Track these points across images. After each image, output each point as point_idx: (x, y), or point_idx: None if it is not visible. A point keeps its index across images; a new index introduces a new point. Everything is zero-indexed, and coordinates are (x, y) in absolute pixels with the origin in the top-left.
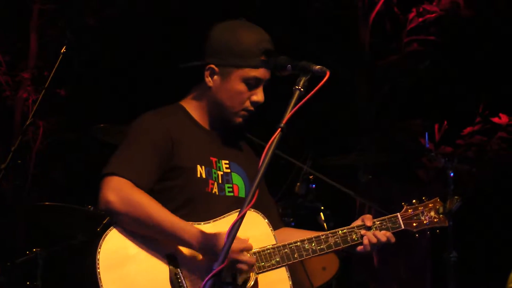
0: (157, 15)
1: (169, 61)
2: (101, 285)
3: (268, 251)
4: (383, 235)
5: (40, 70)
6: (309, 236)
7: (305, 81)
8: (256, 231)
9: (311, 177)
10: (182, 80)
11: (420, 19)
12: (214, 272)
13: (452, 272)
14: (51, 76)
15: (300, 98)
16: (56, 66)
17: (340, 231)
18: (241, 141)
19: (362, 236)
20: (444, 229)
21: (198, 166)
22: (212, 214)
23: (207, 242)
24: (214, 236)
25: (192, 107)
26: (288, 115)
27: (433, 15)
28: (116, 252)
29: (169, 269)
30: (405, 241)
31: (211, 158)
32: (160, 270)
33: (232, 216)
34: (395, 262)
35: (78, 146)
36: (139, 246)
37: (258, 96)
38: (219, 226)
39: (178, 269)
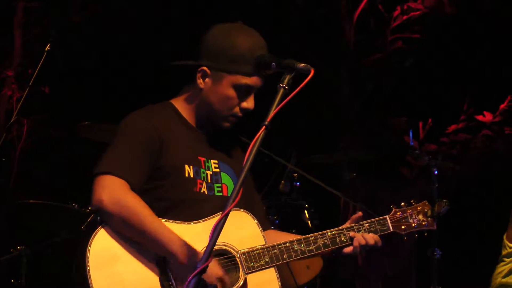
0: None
1: (156, 59)
2: (91, 283)
3: (257, 251)
4: (371, 238)
5: (24, 68)
6: (298, 238)
7: (290, 79)
8: (246, 231)
9: (295, 175)
10: (168, 79)
11: (405, 17)
12: (197, 270)
13: (436, 270)
14: (35, 74)
15: (284, 96)
16: (40, 64)
17: (329, 233)
18: (230, 141)
19: (351, 238)
20: (421, 232)
21: (186, 166)
22: (201, 213)
23: (190, 257)
24: (197, 253)
25: (183, 107)
26: (272, 113)
27: (418, 12)
28: (106, 250)
29: (159, 268)
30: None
31: (200, 157)
32: (149, 268)
33: None
34: (380, 260)
35: (62, 144)
36: (129, 245)
37: (249, 103)
38: (208, 225)
39: (167, 268)
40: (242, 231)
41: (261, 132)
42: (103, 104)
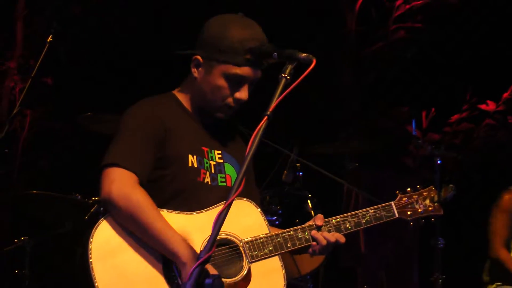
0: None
1: (158, 50)
2: (94, 275)
3: (261, 240)
4: (332, 236)
5: (27, 59)
6: (302, 226)
7: (291, 69)
8: (249, 220)
9: (298, 165)
10: (171, 69)
11: (407, 6)
12: (201, 260)
13: (439, 259)
14: (37, 65)
15: (286, 86)
16: (42, 55)
17: (333, 220)
18: (234, 132)
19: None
20: (428, 218)
21: (190, 156)
22: (204, 203)
23: (192, 258)
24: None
25: (184, 97)
26: (274, 103)
27: (420, 2)
28: (108, 242)
29: (162, 258)
30: (392, 228)
31: (203, 148)
32: (152, 259)
33: None
34: (383, 248)
35: (65, 135)
36: (131, 237)
37: (242, 94)
38: (211, 215)
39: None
40: (246, 220)
41: (263, 123)
42: (106, 95)
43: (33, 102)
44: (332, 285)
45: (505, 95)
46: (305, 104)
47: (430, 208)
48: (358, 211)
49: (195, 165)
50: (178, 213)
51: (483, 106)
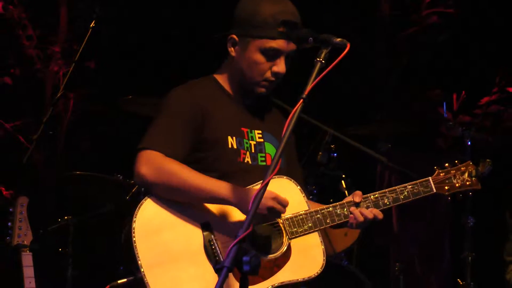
0: None
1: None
2: (137, 253)
3: (301, 216)
4: (370, 212)
5: (70, 44)
6: (341, 203)
7: (326, 54)
8: (289, 197)
9: (332, 146)
10: (212, 53)
11: None
12: (239, 238)
13: (469, 237)
14: (80, 49)
15: (321, 70)
16: (85, 40)
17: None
18: (273, 111)
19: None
20: (465, 193)
21: (229, 137)
22: (245, 183)
23: (242, 196)
24: (248, 191)
25: (223, 79)
26: (310, 86)
27: None
28: (151, 221)
29: (203, 235)
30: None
31: (242, 128)
32: (194, 236)
33: None
34: (415, 226)
35: (107, 117)
36: (173, 215)
37: (279, 67)
38: (252, 194)
39: (212, 236)
40: (286, 197)
41: (299, 105)
42: (147, 79)
43: (76, 86)
44: (366, 262)
45: None
46: (340, 87)
47: (468, 183)
48: (396, 187)
49: (235, 147)
50: None
51: (511, 89)
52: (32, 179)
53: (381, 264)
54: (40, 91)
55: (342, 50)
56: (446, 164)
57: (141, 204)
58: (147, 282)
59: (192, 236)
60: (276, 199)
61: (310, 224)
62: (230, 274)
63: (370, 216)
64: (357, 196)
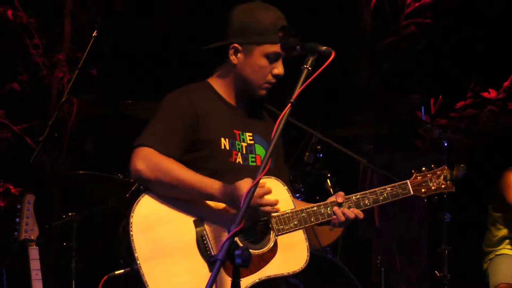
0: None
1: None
2: (134, 246)
3: (287, 215)
4: (351, 212)
5: (74, 52)
6: (325, 202)
7: (313, 61)
8: (277, 196)
9: (318, 147)
10: (207, 60)
11: (417, 4)
12: (231, 233)
13: (446, 232)
14: (83, 57)
15: (308, 76)
16: (88, 49)
17: (354, 197)
18: (263, 115)
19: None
20: (440, 195)
21: (222, 139)
22: (236, 181)
23: (230, 193)
24: (234, 187)
25: (218, 84)
26: (297, 91)
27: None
28: (147, 216)
29: (196, 230)
30: (404, 204)
31: (235, 131)
32: (187, 231)
33: None
34: (396, 223)
35: (108, 120)
36: (168, 211)
37: (279, 69)
38: None
39: (204, 231)
40: (274, 196)
41: (287, 109)
42: (145, 85)
43: (79, 91)
44: (349, 255)
45: (506, 83)
46: (326, 92)
47: (443, 186)
48: (376, 189)
49: (227, 147)
50: None
51: (485, 94)
52: (38, 178)
53: (364, 257)
54: (46, 96)
55: (327, 58)
56: (423, 168)
57: (139, 201)
58: (142, 274)
59: (185, 231)
60: (264, 197)
61: (295, 222)
62: (221, 269)
63: (351, 215)
64: (339, 196)
